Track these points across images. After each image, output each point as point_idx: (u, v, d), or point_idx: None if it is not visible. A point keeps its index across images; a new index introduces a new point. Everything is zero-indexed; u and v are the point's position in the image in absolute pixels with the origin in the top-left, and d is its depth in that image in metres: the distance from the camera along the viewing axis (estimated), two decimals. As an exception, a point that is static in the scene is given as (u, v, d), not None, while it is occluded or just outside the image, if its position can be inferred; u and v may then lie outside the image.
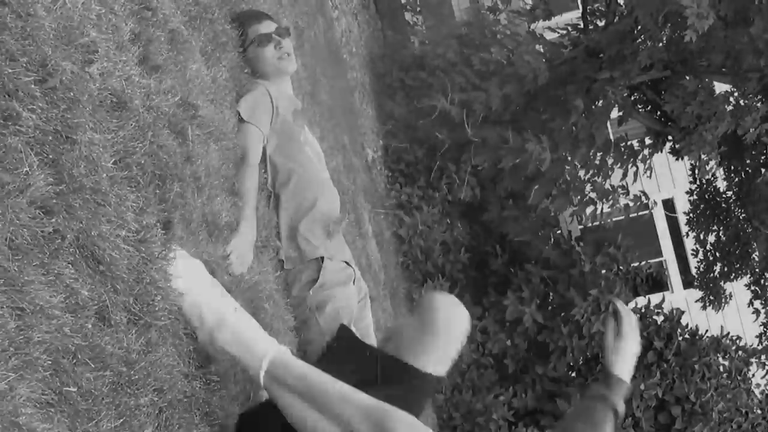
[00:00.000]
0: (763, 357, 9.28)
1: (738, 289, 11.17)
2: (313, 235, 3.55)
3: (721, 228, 10.54)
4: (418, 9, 12.26)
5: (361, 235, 6.48)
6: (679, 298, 14.18)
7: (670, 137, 8.92)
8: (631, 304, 8.99)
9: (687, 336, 8.84)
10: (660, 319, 8.87)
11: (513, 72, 8.57)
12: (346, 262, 3.67)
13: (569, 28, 8.84)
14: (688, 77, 8.10)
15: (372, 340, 3.85)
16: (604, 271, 9.15)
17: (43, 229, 1.77)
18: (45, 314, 1.71)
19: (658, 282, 14.95)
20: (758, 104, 7.86)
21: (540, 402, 8.47)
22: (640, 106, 9.25)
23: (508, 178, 8.69)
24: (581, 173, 8.77)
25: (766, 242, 9.25)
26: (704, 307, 10.91)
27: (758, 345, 9.85)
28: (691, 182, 10.87)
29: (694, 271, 12.16)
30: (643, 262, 9.94)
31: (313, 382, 2.34)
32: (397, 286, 8.14)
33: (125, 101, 2.23)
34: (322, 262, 3.52)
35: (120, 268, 2.01)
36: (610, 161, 8.81)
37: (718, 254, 10.62)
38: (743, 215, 10.09)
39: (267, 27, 3.76)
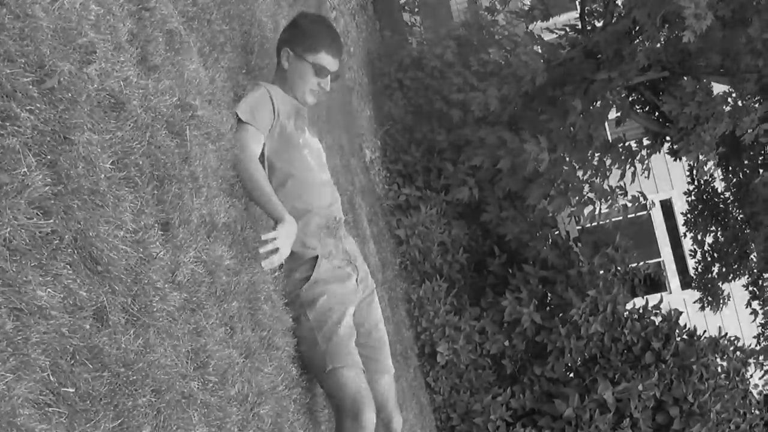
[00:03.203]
0: (761, 358, 9.28)
1: (736, 289, 11.18)
2: (308, 236, 3.56)
3: (719, 229, 10.54)
4: (416, 9, 12.26)
5: (359, 235, 6.48)
6: (677, 298, 14.19)
7: (668, 138, 8.92)
8: (629, 305, 9.00)
9: (685, 337, 8.84)
10: (658, 319, 8.87)
11: (511, 73, 8.57)
12: (347, 260, 3.68)
13: (567, 29, 8.84)
14: (686, 78, 8.11)
15: (383, 335, 3.84)
16: (602, 272, 9.15)
17: (41, 230, 1.77)
18: (43, 315, 1.71)
19: (656, 283, 14.97)
20: (756, 105, 7.86)
21: (538, 402, 8.47)
22: (638, 107, 9.25)
23: (506, 178, 8.68)
24: (579, 174, 8.77)
25: (764, 243, 9.24)
26: (702, 308, 10.91)
27: (756, 346, 9.85)
28: (689, 183, 10.87)
29: (692, 271, 12.18)
30: (641, 263, 9.94)
31: None
32: (395, 286, 8.14)
33: (123, 102, 2.23)
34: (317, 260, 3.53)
35: (118, 269, 2.01)
36: (608, 162, 8.81)
37: (716, 255, 10.62)
38: (741, 216, 10.09)
39: (332, 64, 3.75)
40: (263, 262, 3.08)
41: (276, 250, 3.09)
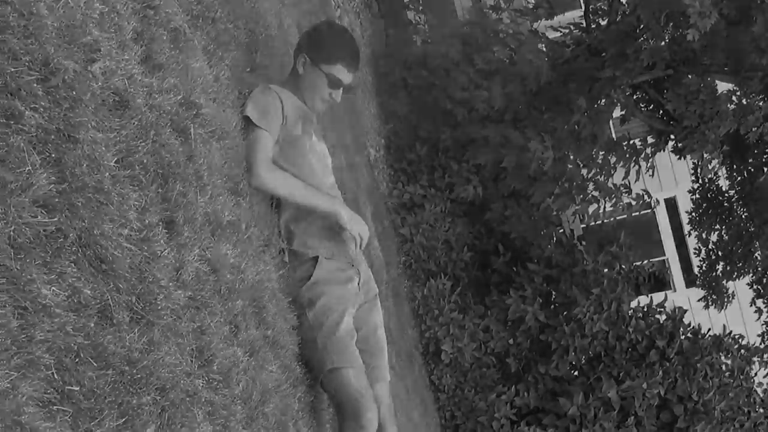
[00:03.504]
0: (765, 356, 9.27)
1: (740, 288, 11.17)
2: (310, 237, 3.56)
3: (724, 227, 10.54)
4: (421, 8, 12.25)
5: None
6: (682, 296, 14.19)
7: (672, 136, 8.92)
8: (634, 303, 9.00)
9: (689, 335, 8.83)
10: (662, 317, 8.86)
11: (515, 71, 8.58)
12: (350, 263, 3.67)
13: (572, 27, 8.84)
14: (690, 76, 8.10)
15: (381, 341, 3.84)
16: (606, 270, 9.14)
17: (45, 228, 1.77)
18: (47, 313, 1.71)
19: (660, 281, 14.97)
20: (760, 103, 7.86)
21: (542, 401, 8.47)
22: (642, 105, 9.25)
23: (511, 176, 8.69)
24: (584, 172, 8.77)
25: (768, 241, 9.25)
26: (706, 306, 10.91)
27: (760, 344, 9.84)
28: (693, 181, 10.86)
29: (696, 269, 12.17)
30: (646, 261, 9.94)
31: None
32: (399, 284, 8.14)
33: (127, 100, 2.23)
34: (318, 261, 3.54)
35: (122, 267, 2.01)
36: (612, 160, 8.81)
37: (720, 253, 10.62)
38: (745, 214, 10.09)
39: (347, 77, 3.74)
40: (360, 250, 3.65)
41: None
